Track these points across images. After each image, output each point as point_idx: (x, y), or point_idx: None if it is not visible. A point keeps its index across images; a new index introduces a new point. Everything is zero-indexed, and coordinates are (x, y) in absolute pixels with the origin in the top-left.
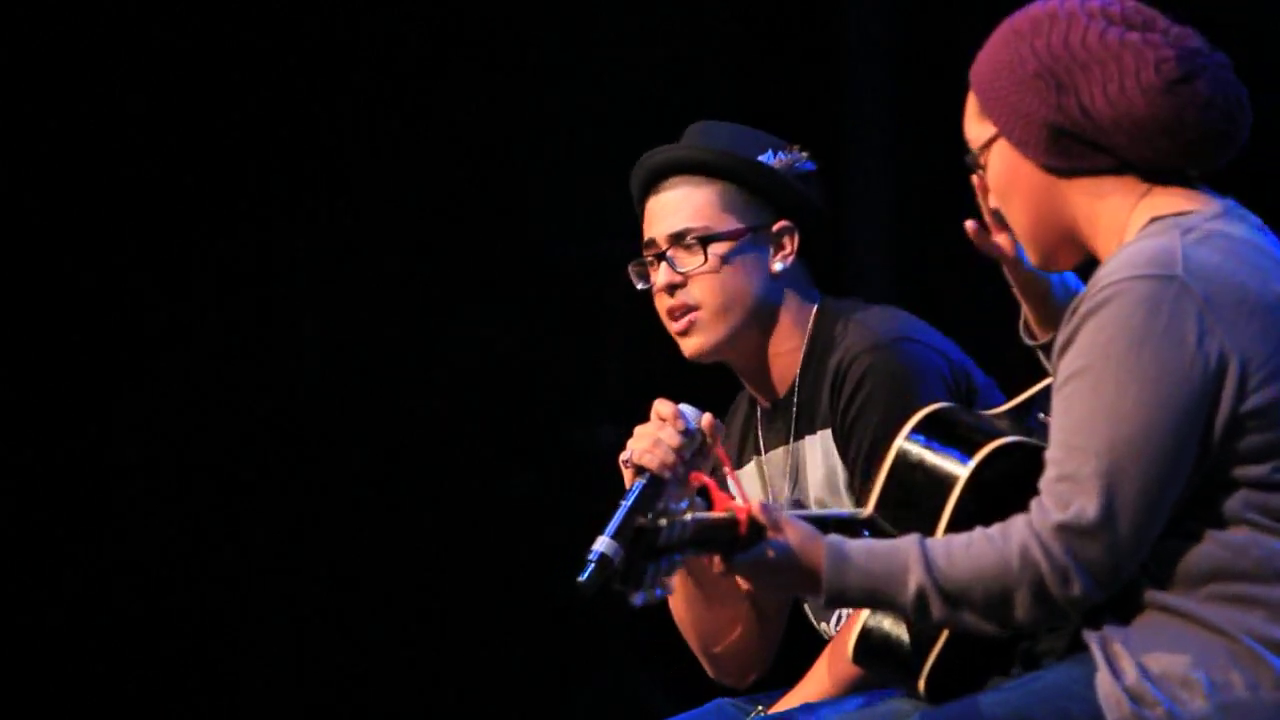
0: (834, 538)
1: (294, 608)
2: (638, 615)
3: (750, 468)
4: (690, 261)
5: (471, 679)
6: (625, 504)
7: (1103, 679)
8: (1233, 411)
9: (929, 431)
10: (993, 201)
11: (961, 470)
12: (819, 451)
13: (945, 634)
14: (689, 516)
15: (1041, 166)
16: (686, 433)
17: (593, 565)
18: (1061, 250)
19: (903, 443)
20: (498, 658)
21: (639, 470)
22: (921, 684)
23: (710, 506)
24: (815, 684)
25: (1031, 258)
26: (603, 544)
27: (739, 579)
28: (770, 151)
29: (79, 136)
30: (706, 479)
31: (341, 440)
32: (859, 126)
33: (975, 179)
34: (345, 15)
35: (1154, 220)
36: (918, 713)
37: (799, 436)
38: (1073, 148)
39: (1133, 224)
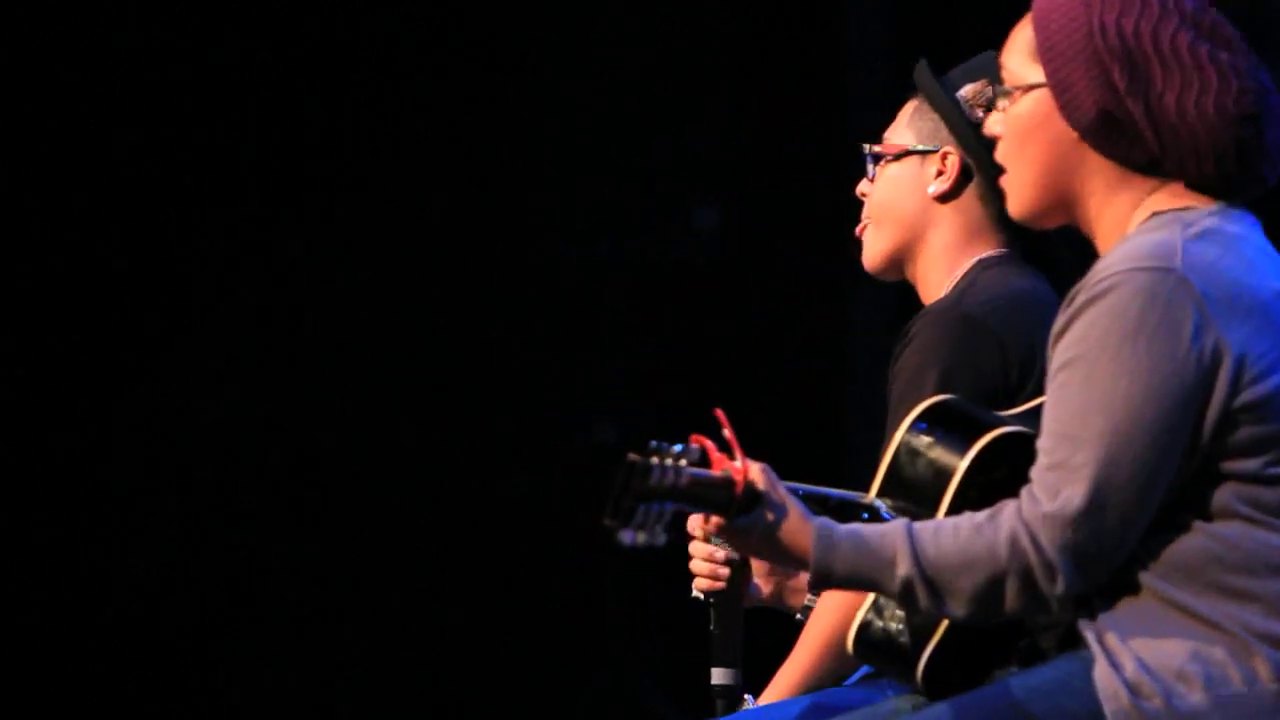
0: (823, 521)
1: (294, 608)
2: (637, 615)
3: None
4: (870, 173)
5: (472, 679)
6: (714, 631)
7: (1101, 671)
8: (1225, 406)
9: (932, 422)
10: (996, 129)
11: (961, 460)
12: None
13: (943, 627)
14: (684, 465)
15: (1077, 136)
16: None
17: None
18: (1052, 212)
19: (905, 433)
20: (498, 658)
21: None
22: (919, 677)
23: (707, 464)
24: (804, 651)
25: (1016, 206)
26: (721, 675)
27: (727, 543)
28: (982, 82)
29: (79, 136)
30: (705, 440)
31: (341, 440)
32: (859, 126)
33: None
34: (345, 15)
35: (1155, 215)
36: (916, 711)
37: None
38: (1115, 134)
39: (1135, 218)
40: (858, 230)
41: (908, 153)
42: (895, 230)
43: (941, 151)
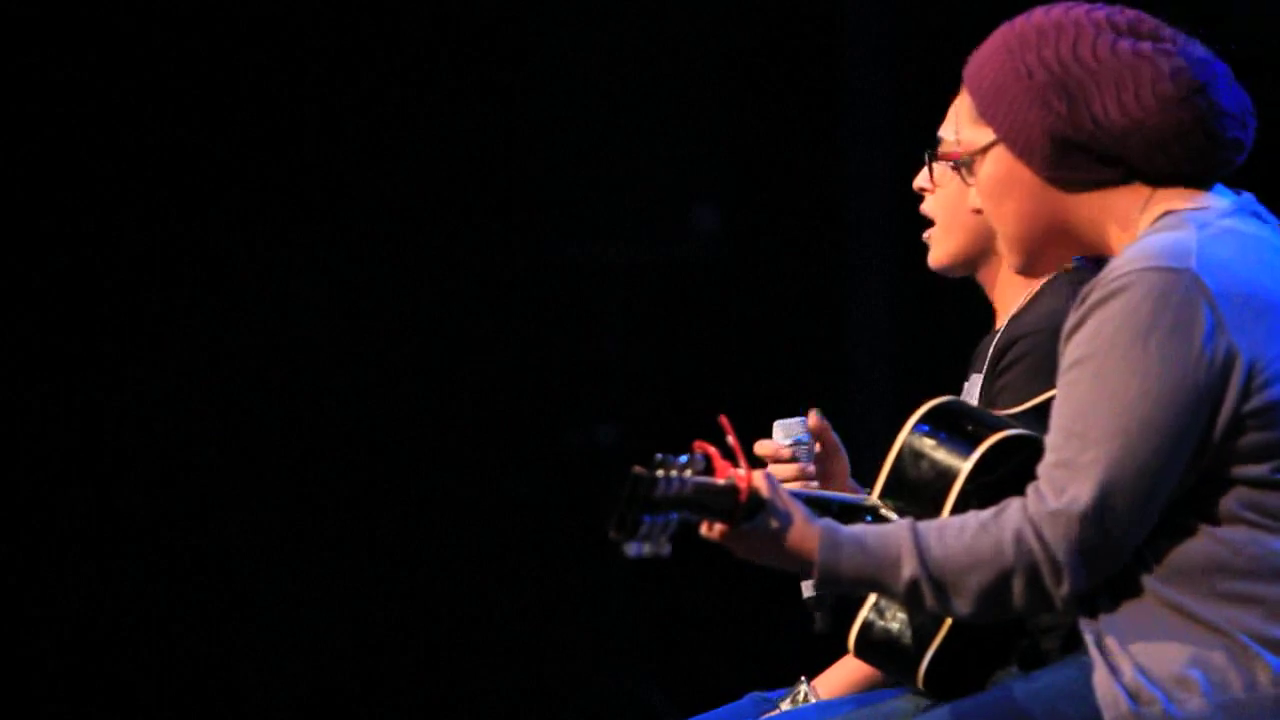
0: (827, 522)
1: (293, 608)
2: (637, 615)
3: (969, 381)
4: (936, 173)
5: (472, 679)
6: None
7: (1100, 677)
8: (1236, 409)
9: (935, 423)
10: (974, 202)
11: (964, 462)
12: None
13: (945, 629)
14: (689, 475)
15: (1044, 177)
16: (788, 445)
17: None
18: (1047, 256)
19: (908, 435)
20: (498, 658)
21: None
22: (920, 678)
23: (711, 472)
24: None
25: (1012, 261)
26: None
27: (731, 548)
28: None
29: (78, 131)
30: (709, 447)
31: (341, 440)
32: (859, 126)
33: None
34: (346, 13)
35: (1168, 214)
36: (918, 714)
37: (984, 371)
38: (1078, 160)
39: (1144, 220)
40: (925, 235)
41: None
42: (967, 237)
43: None
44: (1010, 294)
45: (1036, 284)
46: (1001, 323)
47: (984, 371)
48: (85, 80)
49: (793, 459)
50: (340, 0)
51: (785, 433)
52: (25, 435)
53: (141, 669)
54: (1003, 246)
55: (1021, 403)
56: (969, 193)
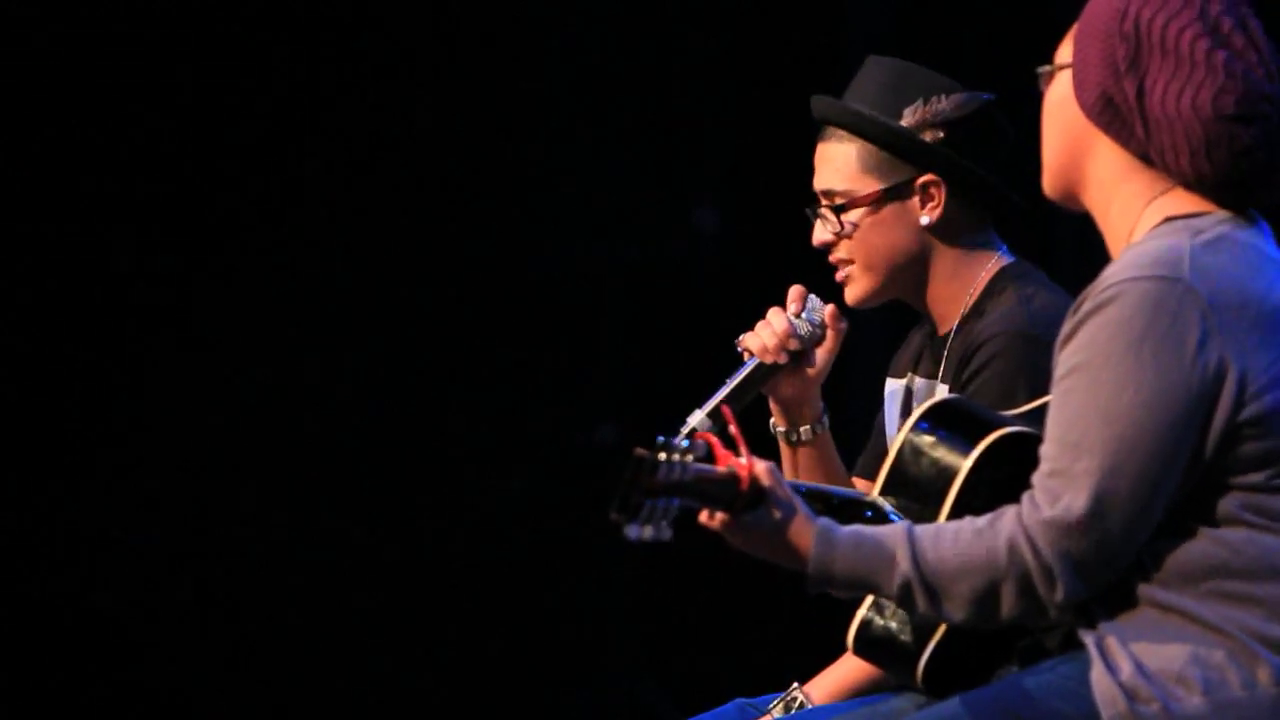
0: (825, 520)
1: (293, 609)
2: (637, 615)
3: (902, 381)
4: (836, 224)
5: (472, 679)
6: (727, 382)
7: (1098, 675)
8: (1230, 418)
9: (936, 421)
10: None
11: (965, 460)
12: None
13: (943, 627)
14: (690, 461)
15: (1085, 116)
16: (804, 319)
17: (684, 434)
18: (1069, 195)
19: (908, 432)
20: (498, 658)
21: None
22: (919, 676)
23: (713, 460)
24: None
25: (1046, 184)
26: (695, 417)
27: (729, 539)
28: (919, 103)
29: (79, 137)
30: (710, 436)
31: (340, 441)
32: None
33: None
34: (346, 16)
35: (1167, 220)
36: (915, 712)
37: (944, 378)
38: (1115, 119)
39: (1144, 221)
40: (839, 276)
41: (883, 196)
42: (890, 268)
43: (918, 180)
44: (946, 299)
45: (970, 285)
46: (945, 326)
47: (944, 376)
48: (84, 79)
49: (797, 334)
50: (342, 2)
51: (805, 304)
52: (26, 439)
53: (139, 670)
54: (1044, 162)
55: (1000, 398)
56: (884, 226)
